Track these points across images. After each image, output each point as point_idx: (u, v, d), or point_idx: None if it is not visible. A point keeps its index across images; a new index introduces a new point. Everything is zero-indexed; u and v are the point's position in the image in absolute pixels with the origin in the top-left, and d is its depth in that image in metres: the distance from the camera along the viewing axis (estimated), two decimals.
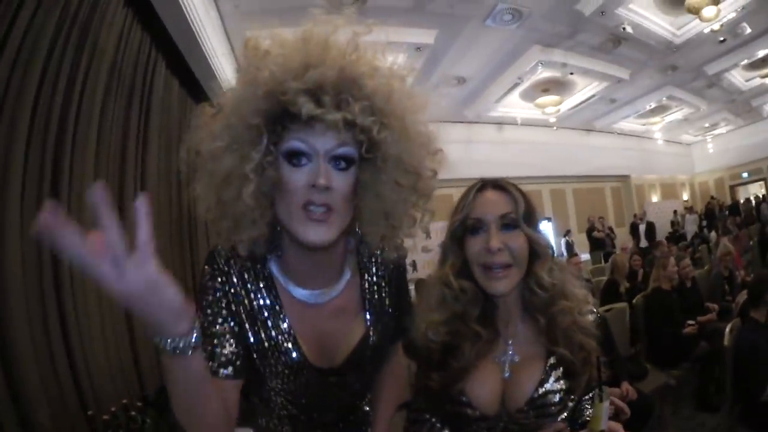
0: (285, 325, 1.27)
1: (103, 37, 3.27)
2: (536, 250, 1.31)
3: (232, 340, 1.23)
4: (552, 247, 1.35)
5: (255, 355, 1.28)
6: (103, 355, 2.92)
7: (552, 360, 1.30)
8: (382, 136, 1.15)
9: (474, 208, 1.32)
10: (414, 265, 12.22)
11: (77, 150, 2.92)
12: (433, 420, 1.37)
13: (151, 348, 3.55)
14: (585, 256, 12.72)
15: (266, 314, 1.27)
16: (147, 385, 3.30)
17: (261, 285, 1.28)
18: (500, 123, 16.26)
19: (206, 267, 1.27)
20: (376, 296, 1.41)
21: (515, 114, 15.58)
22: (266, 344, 1.27)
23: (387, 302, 1.43)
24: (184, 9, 4.56)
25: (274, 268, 1.30)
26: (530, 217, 1.31)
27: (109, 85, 3.35)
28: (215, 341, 1.22)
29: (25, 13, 2.52)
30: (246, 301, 1.26)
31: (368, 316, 1.38)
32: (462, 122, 15.32)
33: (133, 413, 2.45)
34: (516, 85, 12.99)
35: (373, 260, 1.42)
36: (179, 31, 4.61)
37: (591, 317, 1.34)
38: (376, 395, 1.54)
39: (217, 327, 1.23)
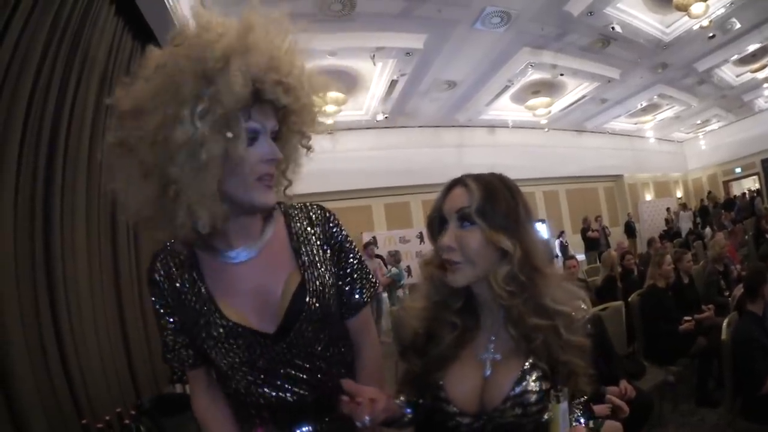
0: (204, 294, 1.34)
1: (94, 46, 3.27)
2: (503, 252, 1.26)
3: (185, 341, 1.40)
4: (524, 252, 1.26)
5: (196, 340, 1.37)
6: (98, 362, 2.90)
7: (531, 359, 1.28)
8: (300, 106, 1.30)
9: (443, 203, 1.33)
10: (409, 270, 12.28)
11: (69, 157, 2.91)
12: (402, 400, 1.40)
13: (146, 355, 3.53)
14: (580, 257, 12.74)
15: (187, 291, 1.35)
16: (142, 393, 3.28)
17: (184, 267, 1.37)
18: (492, 126, 16.35)
19: (148, 284, 1.42)
20: (308, 244, 1.44)
21: (506, 117, 15.68)
22: (195, 320, 1.34)
23: (322, 253, 1.46)
24: (174, 18, 4.55)
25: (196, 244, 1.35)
26: (491, 214, 1.25)
27: (100, 94, 3.33)
28: (175, 346, 1.41)
29: (16, 21, 2.51)
30: (177, 290, 1.37)
31: (302, 258, 1.41)
32: (453, 126, 15.41)
33: (126, 422, 2.43)
34: (506, 87, 13.08)
35: (301, 212, 1.49)
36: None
37: (581, 332, 1.30)
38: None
39: (169, 335, 1.41)
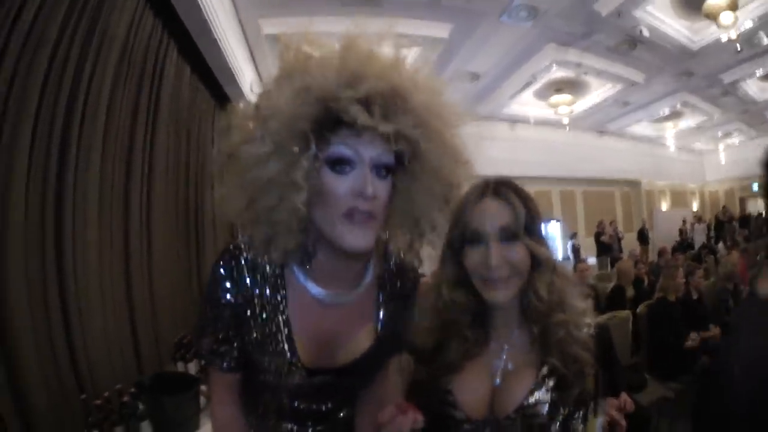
0: (283, 324, 1.27)
1: (114, 22, 3.24)
2: (537, 260, 1.29)
3: (234, 343, 1.30)
4: (553, 256, 1.32)
5: (250, 348, 1.29)
6: (103, 341, 2.93)
7: (545, 370, 1.28)
8: (426, 148, 1.16)
9: (473, 218, 1.29)
10: None
11: (84, 135, 2.90)
12: None
13: (152, 336, 3.55)
14: (591, 260, 12.64)
15: (268, 310, 1.27)
16: (145, 372, 3.30)
17: (270, 281, 1.28)
18: (513, 121, 16.15)
19: (217, 269, 1.28)
20: (390, 309, 1.41)
21: (528, 112, 15.49)
22: (261, 339, 1.27)
23: (398, 317, 1.42)
24: None
25: (293, 265, 1.29)
26: (532, 226, 1.27)
27: (118, 71, 3.32)
28: (219, 343, 1.30)
29: None
30: (251, 297, 1.27)
31: (380, 328, 1.38)
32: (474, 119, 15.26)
33: (125, 399, 2.45)
34: (529, 83, 12.93)
35: (395, 272, 1.43)
36: (191, 17, 4.56)
37: (586, 330, 1.31)
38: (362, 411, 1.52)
39: (220, 331, 1.29)
